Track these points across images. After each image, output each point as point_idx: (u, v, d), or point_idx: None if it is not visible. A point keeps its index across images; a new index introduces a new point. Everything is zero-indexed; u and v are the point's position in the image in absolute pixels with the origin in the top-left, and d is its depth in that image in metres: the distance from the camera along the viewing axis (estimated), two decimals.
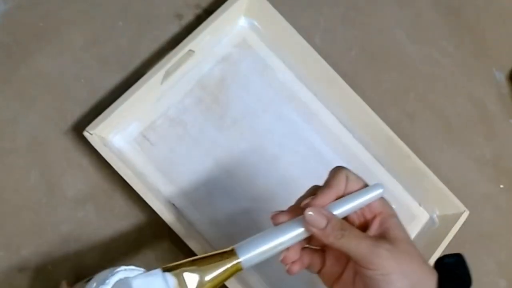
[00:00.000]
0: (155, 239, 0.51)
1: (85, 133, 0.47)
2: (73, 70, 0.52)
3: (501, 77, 0.66)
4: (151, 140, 0.52)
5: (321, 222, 0.36)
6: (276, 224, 0.38)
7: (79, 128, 0.51)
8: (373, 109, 0.56)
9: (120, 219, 0.50)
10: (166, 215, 0.47)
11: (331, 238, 0.36)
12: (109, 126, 0.49)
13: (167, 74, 0.52)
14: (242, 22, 0.56)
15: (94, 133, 0.47)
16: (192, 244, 0.47)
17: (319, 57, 0.55)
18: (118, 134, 0.51)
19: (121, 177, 0.47)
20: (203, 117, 0.54)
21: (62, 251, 0.48)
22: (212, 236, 0.51)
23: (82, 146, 0.50)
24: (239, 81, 0.55)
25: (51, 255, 0.48)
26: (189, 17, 0.57)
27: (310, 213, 0.37)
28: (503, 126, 0.64)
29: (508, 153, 0.63)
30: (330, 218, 0.37)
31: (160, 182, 0.51)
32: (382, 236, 0.37)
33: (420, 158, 0.56)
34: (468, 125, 0.63)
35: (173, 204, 0.51)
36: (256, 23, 0.56)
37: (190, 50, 0.52)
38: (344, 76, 0.55)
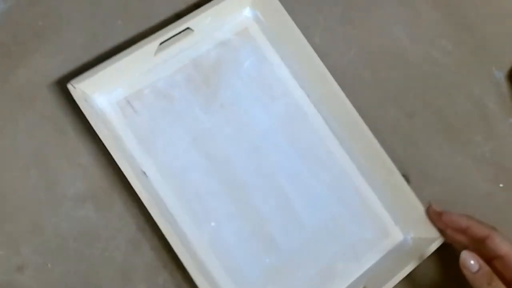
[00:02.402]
0: (154, 237, 0.51)
1: (69, 86, 0.47)
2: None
3: (501, 76, 0.66)
4: (135, 107, 0.52)
5: (474, 267, 0.43)
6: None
7: (78, 125, 0.51)
8: (371, 107, 0.56)
9: (120, 218, 0.50)
10: (136, 182, 0.47)
11: (477, 283, 0.42)
12: (95, 84, 0.49)
13: (162, 47, 0.52)
14: (247, 12, 0.57)
15: (78, 88, 0.47)
16: (154, 213, 0.47)
17: (317, 59, 0.55)
18: (103, 96, 0.51)
19: (120, 175, 0.47)
20: (192, 96, 0.54)
21: (61, 250, 0.48)
22: (176, 210, 0.51)
23: (82, 143, 0.51)
24: (234, 68, 0.56)
25: (51, 254, 0.48)
26: None
27: (467, 255, 0.43)
28: (502, 125, 0.64)
29: (508, 152, 0.63)
30: (483, 266, 0.42)
31: (136, 149, 0.51)
32: None
33: (419, 157, 0.56)
34: (467, 124, 0.63)
35: (145, 173, 0.51)
36: (260, 15, 0.56)
37: (188, 28, 0.52)
38: (343, 75, 0.55)
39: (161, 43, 0.52)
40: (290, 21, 0.55)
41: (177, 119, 0.53)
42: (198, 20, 0.52)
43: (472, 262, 0.43)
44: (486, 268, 0.42)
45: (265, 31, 0.57)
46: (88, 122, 0.47)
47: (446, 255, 0.55)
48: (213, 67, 0.55)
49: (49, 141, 0.50)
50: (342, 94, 0.54)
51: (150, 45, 0.51)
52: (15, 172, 0.49)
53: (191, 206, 0.51)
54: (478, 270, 0.42)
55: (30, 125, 0.50)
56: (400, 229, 0.55)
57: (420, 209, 0.53)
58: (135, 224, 0.51)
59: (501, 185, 0.62)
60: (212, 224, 0.51)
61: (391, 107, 0.60)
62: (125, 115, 0.52)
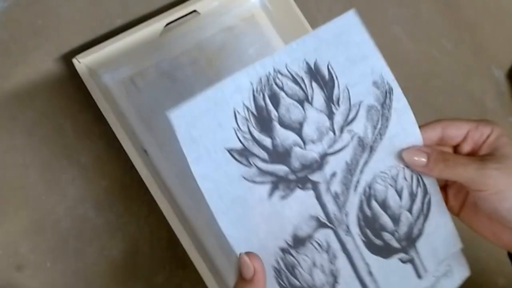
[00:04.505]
0: (153, 236, 0.51)
1: (74, 61, 0.48)
2: (71, 67, 0.52)
3: (500, 75, 0.66)
4: (138, 85, 0.52)
5: (422, 160, 0.38)
6: None
7: (77, 125, 0.51)
8: None
9: (119, 216, 0.50)
10: (136, 159, 0.47)
11: (435, 172, 0.38)
12: (100, 60, 0.49)
13: (168, 29, 0.52)
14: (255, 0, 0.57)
15: (83, 62, 0.48)
16: (153, 190, 0.47)
17: None
18: (107, 73, 0.51)
19: (120, 174, 0.47)
20: (195, 78, 0.54)
21: (61, 249, 0.48)
22: (176, 188, 0.51)
23: (82, 142, 0.50)
24: (238, 53, 0.56)
25: (50, 253, 0.48)
26: None
27: (408, 153, 0.38)
28: (502, 124, 0.64)
29: None
30: (430, 152, 0.38)
31: (138, 126, 0.52)
32: (491, 155, 0.37)
33: None
34: None
35: (145, 150, 0.51)
36: (267, 3, 0.57)
37: (195, 11, 0.53)
38: None
39: (167, 24, 0.52)
40: (297, 10, 0.55)
41: (179, 100, 0.53)
42: (205, 4, 0.53)
43: (416, 158, 0.38)
44: (434, 151, 0.38)
45: (271, 19, 0.57)
46: (87, 120, 0.47)
47: None
48: (217, 51, 0.56)
49: (48, 140, 0.50)
50: None
51: (156, 26, 0.51)
52: (14, 171, 0.49)
53: (191, 185, 0.51)
54: (429, 159, 0.38)
55: (29, 123, 0.50)
56: None
57: None
58: (134, 223, 0.51)
59: None
60: None
61: None
62: (128, 93, 0.52)
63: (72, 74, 0.51)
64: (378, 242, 0.40)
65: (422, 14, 0.65)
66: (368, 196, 0.39)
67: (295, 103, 0.36)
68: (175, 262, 0.50)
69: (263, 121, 0.35)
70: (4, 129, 0.50)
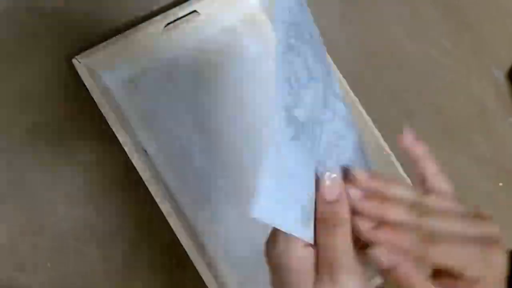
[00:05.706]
0: (154, 236, 0.51)
1: (74, 61, 0.48)
2: (71, 67, 0.52)
3: (500, 75, 0.66)
4: (138, 85, 0.53)
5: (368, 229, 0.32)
6: None
7: (77, 125, 0.51)
8: (372, 107, 0.56)
9: (119, 217, 0.50)
10: (136, 159, 0.47)
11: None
12: (100, 60, 0.49)
13: (168, 29, 0.52)
14: (254, 0, 0.57)
15: (83, 62, 0.48)
16: (153, 190, 0.46)
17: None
18: (107, 72, 0.52)
19: (120, 173, 0.47)
20: (194, 77, 0.55)
21: (61, 249, 0.48)
22: (175, 187, 0.51)
23: (82, 142, 0.50)
24: (238, 54, 0.56)
25: (50, 253, 0.48)
26: None
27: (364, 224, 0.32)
28: (502, 124, 0.64)
29: (507, 152, 0.63)
30: (397, 262, 0.31)
31: (138, 126, 0.52)
32: None
33: None
34: (467, 124, 0.63)
35: (145, 150, 0.51)
36: (267, 3, 0.57)
37: (195, 11, 0.53)
38: (342, 74, 0.55)
39: (167, 24, 0.52)
40: None
41: (179, 100, 0.54)
42: (205, 4, 0.53)
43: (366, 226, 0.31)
44: (404, 265, 0.31)
45: (271, 19, 0.57)
46: (87, 120, 0.47)
47: None
48: (217, 51, 0.56)
49: (48, 140, 0.50)
50: (346, 85, 0.55)
51: (156, 26, 0.51)
52: (14, 171, 0.49)
53: (191, 185, 0.52)
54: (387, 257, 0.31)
55: (29, 123, 0.50)
56: None
57: None
58: (134, 223, 0.50)
59: (500, 184, 0.62)
60: (211, 204, 0.52)
61: (390, 106, 0.60)
62: (128, 93, 0.52)
63: (72, 74, 0.51)
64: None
65: (422, 14, 0.65)
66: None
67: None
68: (175, 262, 0.50)
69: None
70: (4, 129, 0.50)
